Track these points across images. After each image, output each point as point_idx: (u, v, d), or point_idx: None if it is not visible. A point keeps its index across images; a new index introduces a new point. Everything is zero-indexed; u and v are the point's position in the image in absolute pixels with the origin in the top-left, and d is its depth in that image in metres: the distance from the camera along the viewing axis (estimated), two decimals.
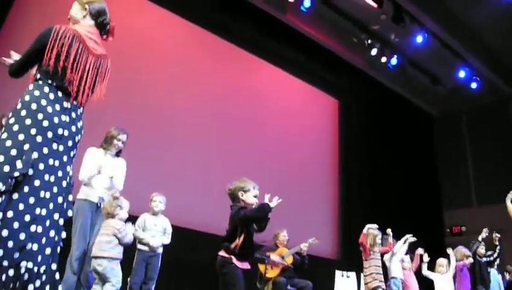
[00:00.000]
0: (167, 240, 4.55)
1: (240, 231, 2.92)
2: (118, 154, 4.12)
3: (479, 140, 10.82)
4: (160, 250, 4.46)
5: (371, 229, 5.08)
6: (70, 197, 2.40)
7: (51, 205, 2.20)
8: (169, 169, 6.47)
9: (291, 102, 8.94)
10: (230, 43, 8.09)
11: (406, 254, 5.68)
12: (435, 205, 11.02)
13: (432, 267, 5.90)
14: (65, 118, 2.32)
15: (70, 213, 2.40)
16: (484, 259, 6.04)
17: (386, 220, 5.77)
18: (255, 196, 3.06)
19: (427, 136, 11.71)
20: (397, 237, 5.64)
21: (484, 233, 6.07)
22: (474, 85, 9.90)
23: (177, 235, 4.78)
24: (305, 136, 8.87)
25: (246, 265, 2.93)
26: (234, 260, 2.86)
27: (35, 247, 2.09)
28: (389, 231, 5.52)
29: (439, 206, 11.11)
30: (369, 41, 9.06)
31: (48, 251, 2.18)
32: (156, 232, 4.45)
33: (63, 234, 2.35)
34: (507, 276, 6.90)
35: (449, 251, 5.77)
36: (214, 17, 7.87)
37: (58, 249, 2.31)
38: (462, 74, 9.72)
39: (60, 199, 2.27)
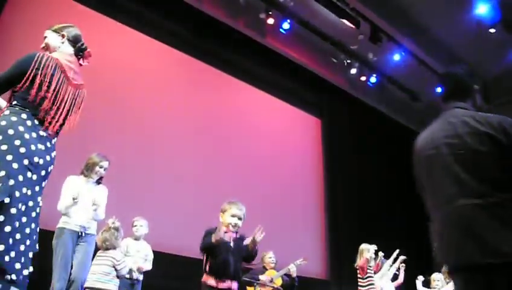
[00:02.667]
0: (149, 266, 4.46)
1: (204, 254, 2.98)
2: (99, 181, 4.05)
3: None
4: (141, 277, 4.36)
5: (366, 250, 5.21)
6: (38, 229, 2.32)
7: (18, 236, 2.11)
8: (151, 193, 6.38)
9: (273, 123, 8.99)
10: (211, 66, 8.14)
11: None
12: (423, 220, 11.06)
13: (427, 283, 5.89)
14: (41, 146, 2.28)
15: (37, 246, 2.31)
16: None
17: (375, 237, 5.78)
18: (233, 215, 3.02)
19: (410, 152, 11.83)
20: (387, 253, 5.65)
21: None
22: None
23: (164, 261, 4.69)
24: (289, 157, 8.89)
25: (225, 284, 2.88)
26: (210, 281, 2.85)
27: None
28: (381, 254, 5.56)
29: (427, 220, 11.15)
30: (348, 61, 9.23)
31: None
32: (138, 259, 4.36)
33: (30, 268, 2.23)
34: None
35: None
36: (195, 42, 7.94)
37: (26, 284, 2.20)
38: (439, 89, 9.92)
39: (27, 230, 2.18)
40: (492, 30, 8.04)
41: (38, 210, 2.28)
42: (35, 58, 2.30)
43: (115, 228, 3.60)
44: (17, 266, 2.09)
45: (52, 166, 2.39)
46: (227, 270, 2.89)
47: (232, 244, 2.99)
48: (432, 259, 10.38)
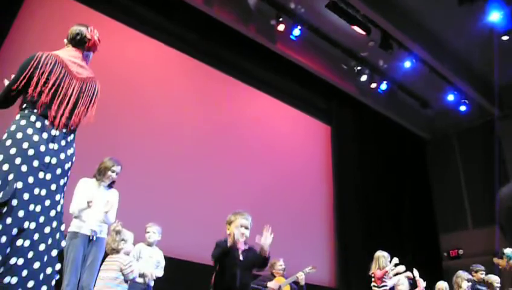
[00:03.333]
0: (160, 273, 4.46)
1: (216, 264, 2.92)
2: (111, 185, 4.06)
3: (471, 162, 10.88)
4: (152, 283, 4.36)
5: (382, 257, 5.22)
6: (63, 227, 2.34)
7: (36, 236, 2.13)
8: (162, 199, 6.40)
9: (283, 129, 8.98)
10: (222, 73, 8.18)
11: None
12: (431, 229, 10.96)
13: None
14: (53, 145, 2.29)
15: (64, 243, 2.34)
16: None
17: (383, 246, 5.72)
18: (241, 225, 2.98)
19: (420, 160, 11.76)
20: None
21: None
22: (463, 108, 10.04)
23: (171, 267, 4.69)
24: (298, 164, 8.87)
25: None
26: None
27: (14, 280, 2.02)
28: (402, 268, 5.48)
29: (435, 230, 11.05)
30: (359, 67, 9.21)
31: (31, 284, 2.09)
32: (151, 264, 4.36)
33: (57, 266, 2.27)
34: None
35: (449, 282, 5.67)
36: (204, 47, 7.98)
37: (53, 282, 2.24)
38: (450, 97, 9.87)
39: (47, 229, 2.19)
40: (505, 37, 7.96)
41: (59, 208, 2.29)
42: (34, 58, 2.33)
43: (116, 231, 3.59)
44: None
45: (70, 162, 2.39)
46: (233, 284, 2.85)
47: (240, 257, 2.95)
48: (440, 265, 10.28)
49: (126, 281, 3.49)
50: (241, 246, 2.98)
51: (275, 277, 5.55)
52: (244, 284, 2.91)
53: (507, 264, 5.03)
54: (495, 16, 7.44)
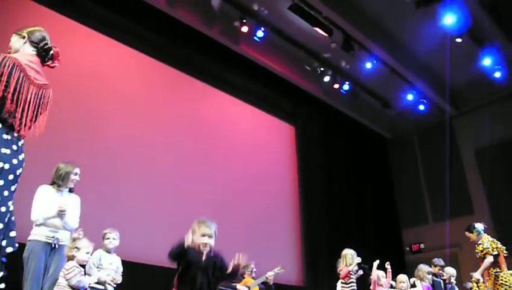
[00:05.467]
0: (120, 279, 4.38)
1: (177, 265, 2.86)
2: (71, 190, 3.94)
3: (430, 159, 11.29)
4: None
5: (350, 255, 5.36)
6: (13, 234, 2.25)
7: None
8: (123, 204, 6.27)
9: (248, 131, 9.02)
10: (185, 74, 8.12)
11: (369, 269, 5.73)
12: (394, 225, 11.29)
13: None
14: (5, 150, 2.21)
15: (9, 249, 2.24)
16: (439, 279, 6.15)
17: (348, 243, 5.84)
18: (203, 235, 2.89)
19: (382, 158, 12.09)
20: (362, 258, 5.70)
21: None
22: (421, 107, 10.41)
23: (134, 271, 4.61)
24: (264, 164, 8.91)
25: None
26: None
27: None
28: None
29: (397, 225, 11.39)
30: (322, 68, 9.37)
31: None
32: (111, 271, 4.26)
33: (0, 273, 2.19)
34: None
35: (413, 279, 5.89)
36: (168, 49, 7.90)
37: None
38: (410, 96, 10.21)
39: None
40: (459, 40, 8.31)
41: (9, 215, 2.21)
42: None
43: (73, 238, 3.55)
44: None
45: (21, 169, 2.31)
46: (194, 287, 2.80)
47: (203, 262, 2.90)
48: (403, 259, 10.60)
49: (70, 286, 3.43)
50: (204, 255, 2.92)
51: (243, 277, 5.56)
52: (208, 287, 2.86)
53: (478, 238, 5.28)
54: (449, 19, 7.76)
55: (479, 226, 5.43)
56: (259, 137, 9.21)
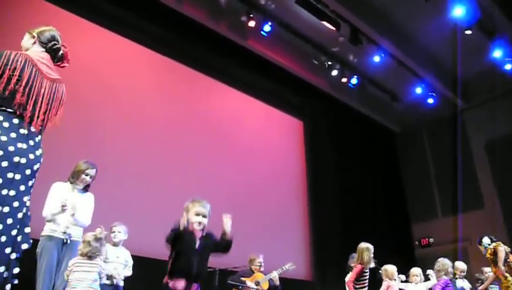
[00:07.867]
0: (129, 272, 4.41)
1: (172, 252, 2.87)
2: (85, 188, 3.98)
3: (439, 153, 11.20)
4: (122, 283, 4.30)
5: (366, 249, 5.11)
6: (28, 230, 2.28)
7: (3, 238, 2.08)
8: (133, 198, 6.31)
9: (255, 125, 9.00)
10: (193, 70, 8.12)
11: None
12: (403, 219, 11.24)
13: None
14: (21, 145, 2.23)
15: (25, 246, 2.27)
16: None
17: (357, 238, 5.81)
18: (197, 214, 2.90)
19: (391, 152, 12.02)
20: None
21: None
22: (431, 100, 10.32)
23: (143, 265, 4.65)
24: (272, 159, 8.91)
25: (180, 284, 2.79)
26: (171, 282, 2.78)
27: None
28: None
29: (407, 219, 11.34)
30: (329, 62, 9.32)
31: None
32: (118, 265, 4.29)
33: (15, 270, 2.20)
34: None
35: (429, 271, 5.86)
36: (175, 44, 7.90)
37: (8, 286, 2.16)
38: (418, 90, 10.13)
39: (14, 232, 2.14)
40: (468, 32, 8.22)
41: (25, 210, 2.23)
42: (3, 55, 2.27)
43: (97, 238, 3.57)
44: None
45: (38, 164, 2.33)
46: (190, 271, 2.81)
47: (197, 244, 2.91)
48: (413, 253, 10.56)
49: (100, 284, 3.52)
50: (198, 234, 2.92)
51: (253, 272, 5.58)
52: (200, 272, 2.87)
53: (485, 251, 5.60)
54: (458, 11, 7.67)
55: (486, 240, 5.68)
56: (267, 132, 9.20)
